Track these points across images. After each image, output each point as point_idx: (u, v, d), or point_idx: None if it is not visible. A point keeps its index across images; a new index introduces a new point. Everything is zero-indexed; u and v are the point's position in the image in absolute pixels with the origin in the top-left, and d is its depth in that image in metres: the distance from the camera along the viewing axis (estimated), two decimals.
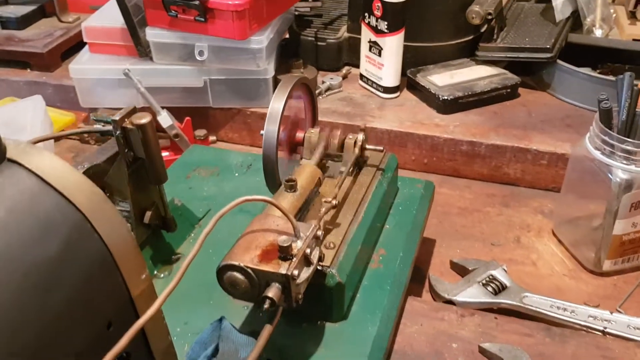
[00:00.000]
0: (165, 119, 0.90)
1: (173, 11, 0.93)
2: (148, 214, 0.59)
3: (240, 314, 0.58)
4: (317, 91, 1.03)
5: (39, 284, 0.32)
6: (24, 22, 1.21)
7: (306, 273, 0.49)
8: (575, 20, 1.07)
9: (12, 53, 1.14)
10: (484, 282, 0.71)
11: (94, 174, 0.61)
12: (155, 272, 0.63)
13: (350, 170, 0.66)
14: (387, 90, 1.01)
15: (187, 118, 0.95)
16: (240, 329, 0.55)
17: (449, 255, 0.79)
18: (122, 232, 0.37)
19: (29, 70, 1.15)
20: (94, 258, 0.36)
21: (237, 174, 0.80)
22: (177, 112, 0.96)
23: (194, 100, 1.01)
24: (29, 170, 0.34)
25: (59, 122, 1.03)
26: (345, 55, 1.10)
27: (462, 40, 1.05)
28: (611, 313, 0.67)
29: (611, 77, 0.95)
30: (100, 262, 0.36)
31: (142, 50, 0.99)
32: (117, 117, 0.52)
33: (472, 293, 0.70)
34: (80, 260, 0.35)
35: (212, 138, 1.02)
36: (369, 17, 0.98)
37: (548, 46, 0.97)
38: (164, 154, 0.94)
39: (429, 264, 0.78)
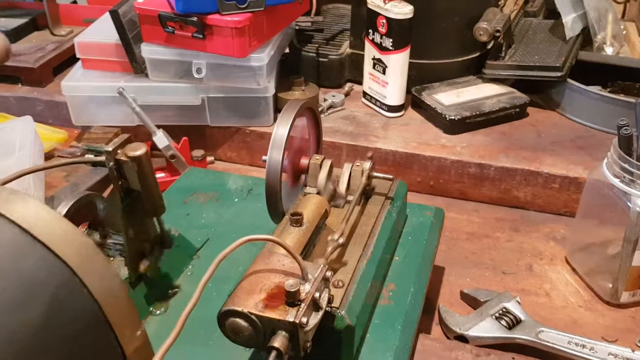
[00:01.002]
0: (161, 140, 0.87)
1: (170, 27, 0.89)
2: (145, 263, 0.55)
3: (241, 357, 0.54)
4: (319, 109, 0.99)
5: (24, 351, 0.29)
6: (15, 35, 1.17)
7: (315, 319, 0.46)
8: (585, 37, 1.04)
9: (2, 67, 1.10)
10: (497, 315, 0.68)
11: (86, 204, 0.57)
12: (151, 309, 0.59)
13: (358, 200, 0.62)
14: (391, 109, 0.98)
15: (184, 138, 0.91)
16: None
17: (459, 284, 0.75)
18: (114, 286, 0.34)
19: (19, 85, 1.11)
20: (84, 317, 0.32)
21: (237, 200, 0.76)
22: (173, 131, 0.93)
23: (191, 119, 0.98)
24: (11, 221, 0.31)
25: (51, 139, 0.99)
26: (347, 72, 1.07)
27: (468, 57, 1.02)
28: (633, 351, 0.63)
29: (623, 97, 0.92)
30: (90, 321, 0.32)
31: (137, 67, 0.95)
32: (110, 148, 0.49)
33: (485, 327, 0.67)
34: (68, 321, 0.31)
35: (209, 159, 0.98)
36: (373, 34, 0.94)
37: (558, 64, 0.94)
38: (160, 175, 0.90)
39: (438, 294, 0.74)
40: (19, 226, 0.31)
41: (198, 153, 0.94)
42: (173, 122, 0.97)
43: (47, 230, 0.31)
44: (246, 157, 1.01)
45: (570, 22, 0.99)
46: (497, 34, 0.96)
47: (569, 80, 0.95)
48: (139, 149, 0.48)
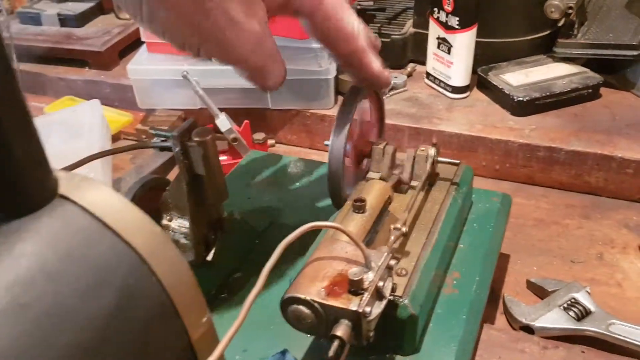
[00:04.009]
0: (223, 123, 0.87)
1: None
2: (212, 252, 0.56)
3: (303, 343, 0.54)
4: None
5: (94, 339, 0.29)
6: (82, 19, 1.20)
7: (378, 308, 0.45)
8: None
9: (71, 51, 1.13)
10: (565, 305, 0.65)
11: (156, 186, 0.58)
12: (213, 292, 0.60)
13: (422, 187, 0.60)
14: (456, 90, 0.95)
15: (246, 121, 0.92)
16: None
17: (525, 272, 0.73)
18: (182, 274, 0.34)
19: (87, 68, 1.14)
20: (153, 305, 0.32)
21: (298, 184, 0.76)
22: (234, 114, 0.93)
23: (252, 102, 0.98)
24: (84, 208, 0.31)
25: (117, 122, 1.01)
26: (410, 52, 1.05)
27: (538, 35, 0.97)
28: None
29: None
30: (159, 309, 0.33)
31: None
32: (176, 133, 0.49)
33: (553, 318, 0.64)
34: (138, 309, 0.31)
35: (270, 142, 0.98)
36: (438, 12, 0.92)
37: (635, 43, 0.89)
38: (222, 157, 0.91)
39: (502, 282, 0.72)
40: (91, 213, 0.31)
41: (259, 136, 0.95)
42: (235, 105, 0.97)
43: (119, 218, 0.31)
44: (306, 140, 1.00)
45: None
46: (570, 11, 0.91)
47: None
48: (205, 134, 0.49)
